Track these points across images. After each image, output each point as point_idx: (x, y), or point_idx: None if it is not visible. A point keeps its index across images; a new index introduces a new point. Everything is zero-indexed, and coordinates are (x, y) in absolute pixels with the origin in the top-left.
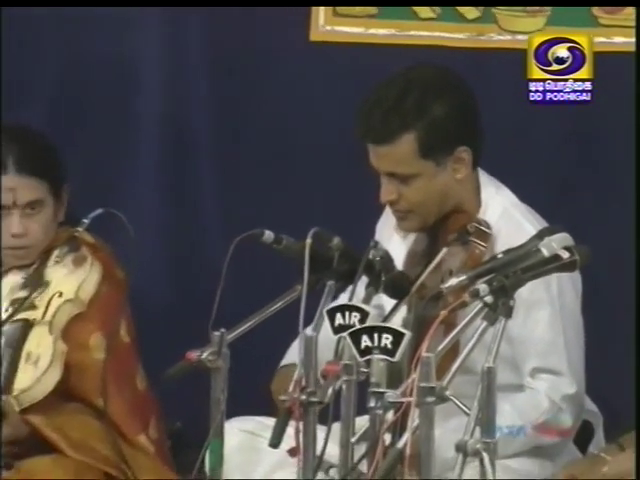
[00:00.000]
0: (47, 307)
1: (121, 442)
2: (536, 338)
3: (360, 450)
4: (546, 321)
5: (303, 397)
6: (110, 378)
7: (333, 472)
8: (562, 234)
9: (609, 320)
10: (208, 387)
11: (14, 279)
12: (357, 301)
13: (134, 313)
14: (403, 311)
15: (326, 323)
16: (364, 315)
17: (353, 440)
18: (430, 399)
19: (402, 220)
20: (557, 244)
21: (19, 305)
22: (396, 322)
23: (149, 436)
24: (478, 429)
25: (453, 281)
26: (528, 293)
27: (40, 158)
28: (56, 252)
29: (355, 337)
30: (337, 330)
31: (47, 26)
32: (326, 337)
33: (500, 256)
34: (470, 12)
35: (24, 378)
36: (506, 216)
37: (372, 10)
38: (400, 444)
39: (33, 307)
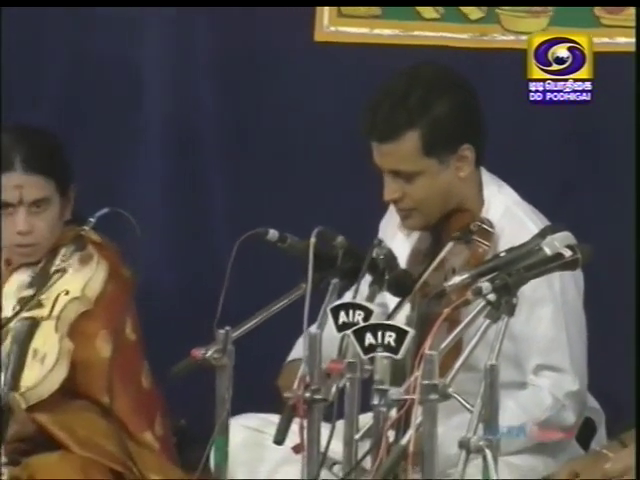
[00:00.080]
0: (53, 305)
1: (127, 439)
2: (539, 335)
3: (364, 447)
4: (549, 318)
5: (307, 394)
6: (116, 376)
7: (337, 469)
8: (564, 232)
9: (610, 318)
10: (213, 384)
11: (22, 277)
12: (361, 299)
13: (139, 311)
14: (407, 309)
15: (330, 321)
16: (368, 313)
17: (357, 437)
18: (433, 396)
19: (406, 218)
20: (559, 242)
21: (26, 303)
22: (400, 320)
23: (155, 433)
24: (481, 426)
25: (456, 279)
26: (531, 291)
27: (47, 157)
28: (62, 251)
29: (359, 335)
30: (341, 328)
31: (49, 26)
32: (330, 335)
33: (503, 254)
34: (473, 13)
35: (31, 376)
36: (509, 214)
37: (376, 11)
38: (403, 441)
39: (40, 305)
